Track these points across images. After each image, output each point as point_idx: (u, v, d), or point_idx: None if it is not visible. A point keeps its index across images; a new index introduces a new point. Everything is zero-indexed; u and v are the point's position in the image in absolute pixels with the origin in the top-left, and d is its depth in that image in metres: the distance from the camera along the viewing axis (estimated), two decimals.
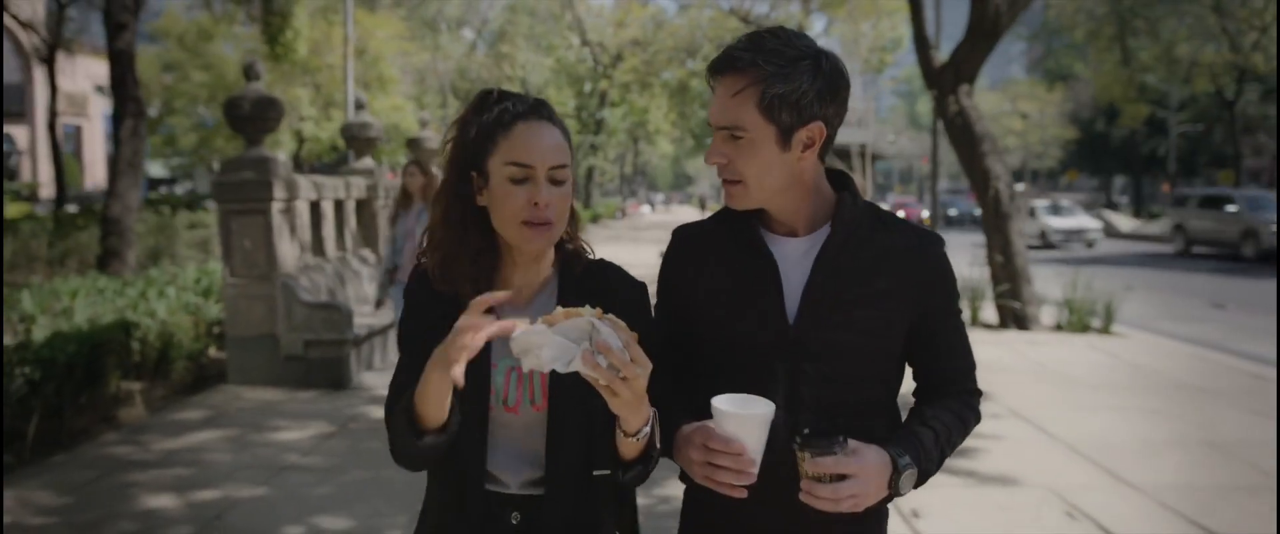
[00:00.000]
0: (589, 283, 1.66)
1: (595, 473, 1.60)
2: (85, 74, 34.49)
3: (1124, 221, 37.41)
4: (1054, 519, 4.44)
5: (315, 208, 8.01)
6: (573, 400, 1.58)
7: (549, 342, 1.32)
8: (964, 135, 10.61)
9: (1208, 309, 13.57)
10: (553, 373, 1.42)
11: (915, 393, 1.76)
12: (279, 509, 4.45)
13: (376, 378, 7.38)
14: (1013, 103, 57.89)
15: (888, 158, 53.00)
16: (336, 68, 27.64)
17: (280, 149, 29.53)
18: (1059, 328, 10.46)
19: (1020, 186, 70.22)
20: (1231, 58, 34.55)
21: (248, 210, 6.87)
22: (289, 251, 7.13)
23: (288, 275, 7.01)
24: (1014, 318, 10.44)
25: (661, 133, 46.00)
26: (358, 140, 9.65)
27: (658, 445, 1.56)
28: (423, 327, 1.58)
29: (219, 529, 4.17)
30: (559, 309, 1.37)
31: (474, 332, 1.35)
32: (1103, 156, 57.08)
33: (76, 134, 37.66)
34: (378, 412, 6.21)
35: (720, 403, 1.48)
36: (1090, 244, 27.47)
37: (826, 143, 1.59)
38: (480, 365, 1.53)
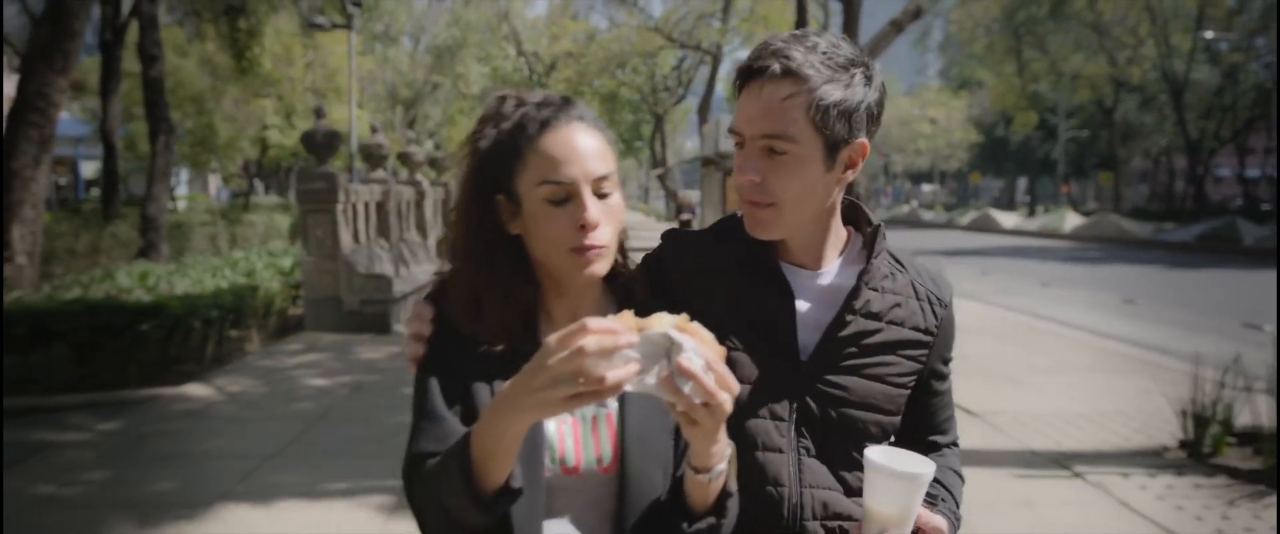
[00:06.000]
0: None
1: None
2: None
3: (1008, 219, 41.58)
4: None
5: (351, 208, 10.98)
6: (650, 457, 1.34)
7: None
8: None
9: (1036, 287, 17.08)
10: (623, 425, 1.31)
11: (900, 444, 1.55)
12: (393, 383, 7.46)
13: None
14: (922, 108, 61.75)
15: None
16: (298, 80, 30.17)
17: (241, 154, 31.95)
18: None
19: (932, 188, 73.23)
20: (1109, 70, 38.80)
21: (320, 209, 9.85)
22: (346, 238, 10.12)
23: (347, 255, 10.00)
24: None
25: None
26: (372, 157, 12.58)
27: (733, 491, 1.29)
28: (450, 379, 1.33)
29: (352, 397, 7.19)
30: (628, 313, 1.11)
31: (598, 354, 1.04)
32: (1003, 159, 61.81)
33: None
34: None
35: (877, 456, 1.32)
36: None
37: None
38: None
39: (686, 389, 1.10)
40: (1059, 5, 36.72)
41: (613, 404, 1.36)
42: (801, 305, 1.46)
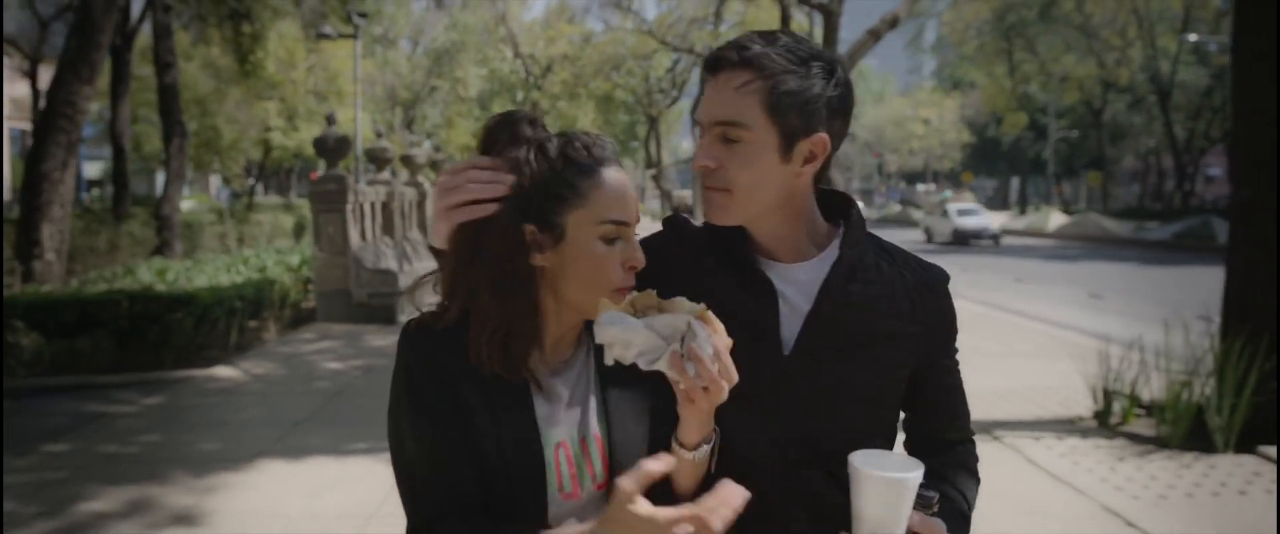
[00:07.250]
0: None
1: None
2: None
3: (995, 219, 42.37)
4: None
5: (359, 208, 11.77)
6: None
7: (639, 336, 1.20)
8: None
9: (1010, 282, 17.85)
10: (611, 443, 1.36)
11: (909, 443, 1.60)
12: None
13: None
14: (915, 108, 62.42)
15: None
16: (300, 83, 30.94)
17: (243, 156, 32.64)
18: None
19: (928, 187, 73.91)
20: (1098, 72, 39.48)
21: (331, 209, 10.66)
22: (355, 236, 10.92)
23: (355, 251, 10.79)
24: None
25: None
26: (378, 160, 13.38)
27: (713, 474, 1.34)
28: (446, 422, 1.30)
29: (365, 377, 7.98)
30: (652, 292, 1.24)
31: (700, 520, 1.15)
32: (995, 159, 62.53)
33: (21, 138, 39.35)
34: None
35: (860, 461, 1.29)
36: (996, 240, 30.67)
37: (826, 162, 1.42)
38: (531, 447, 1.31)
39: (692, 372, 1.19)
40: (1048, 7, 37.24)
41: (599, 426, 1.39)
42: (784, 300, 1.44)
